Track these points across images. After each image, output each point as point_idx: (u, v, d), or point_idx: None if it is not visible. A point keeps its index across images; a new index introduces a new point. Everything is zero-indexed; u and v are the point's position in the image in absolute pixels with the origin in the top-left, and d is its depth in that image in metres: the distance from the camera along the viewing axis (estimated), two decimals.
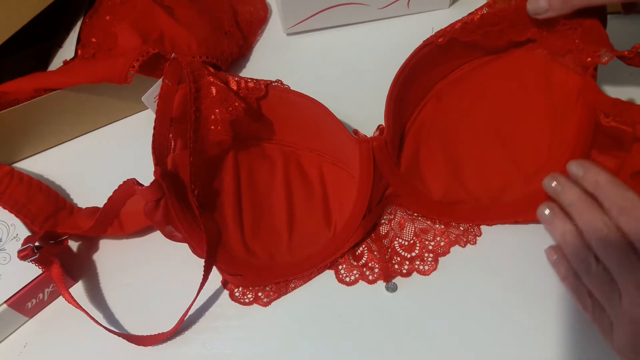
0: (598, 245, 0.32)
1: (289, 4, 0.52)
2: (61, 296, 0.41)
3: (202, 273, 0.37)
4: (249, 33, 0.55)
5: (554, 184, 0.36)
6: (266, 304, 0.40)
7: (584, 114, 0.36)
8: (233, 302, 0.40)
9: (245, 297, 0.40)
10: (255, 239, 0.40)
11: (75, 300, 0.38)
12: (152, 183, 0.35)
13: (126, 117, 0.51)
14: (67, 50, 0.49)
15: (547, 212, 0.36)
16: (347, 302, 0.39)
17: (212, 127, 0.38)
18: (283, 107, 0.40)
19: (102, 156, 0.49)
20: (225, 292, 0.40)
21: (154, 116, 0.49)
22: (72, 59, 0.48)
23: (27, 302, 0.39)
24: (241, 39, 0.53)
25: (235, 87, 0.38)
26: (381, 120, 0.45)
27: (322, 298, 0.40)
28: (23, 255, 0.37)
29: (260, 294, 0.40)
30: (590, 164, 0.34)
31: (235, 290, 0.40)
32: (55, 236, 0.40)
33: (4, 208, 0.41)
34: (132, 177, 0.38)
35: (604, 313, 0.33)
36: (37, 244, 0.38)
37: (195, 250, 0.38)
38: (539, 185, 0.38)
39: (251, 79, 0.39)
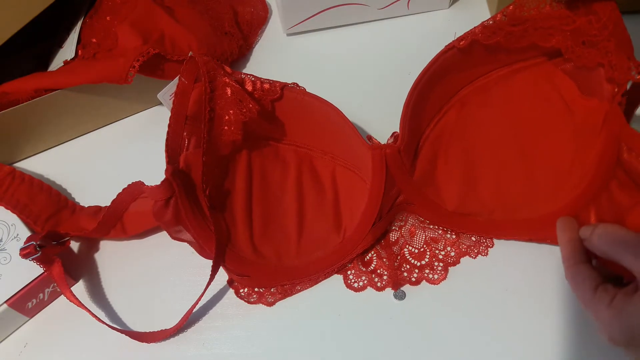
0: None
1: (289, 4, 0.52)
2: (61, 296, 0.41)
3: (204, 272, 0.37)
4: (249, 33, 0.56)
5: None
6: (271, 304, 0.40)
7: (607, 143, 0.35)
8: (238, 299, 0.40)
9: (250, 296, 0.40)
10: (264, 240, 0.39)
11: (77, 298, 0.38)
12: (162, 182, 0.35)
13: (126, 117, 0.51)
14: (68, 50, 0.49)
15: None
16: (351, 306, 0.39)
17: (226, 127, 0.38)
18: (298, 109, 0.40)
19: (103, 156, 0.49)
20: (226, 292, 0.40)
21: (155, 116, 0.49)
22: (72, 59, 0.48)
23: (27, 302, 0.39)
24: (241, 39, 0.53)
25: (250, 88, 0.38)
26: (380, 121, 0.45)
27: (325, 301, 0.40)
28: (25, 253, 0.37)
29: (266, 295, 0.40)
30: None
31: (241, 290, 0.40)
32: (58, 237, 0.40)
33: (6, 208, 0.41)
34: (137, 180, 0.38)
35: (607, 295, 0.31)
36: (39, 242, 0.38)
37: (202, 251, 0.38)
38: (555, 207, 0.37)
39: (267, 80, 0.39)
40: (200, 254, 0.38)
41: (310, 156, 0.42)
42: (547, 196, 0.39)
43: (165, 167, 0.36)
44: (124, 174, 0.46)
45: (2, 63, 0.48)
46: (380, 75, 0.52)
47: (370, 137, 0.39)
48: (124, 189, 0.39)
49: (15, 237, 0.40)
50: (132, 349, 0.38)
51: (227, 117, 0.37)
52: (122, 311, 0.41)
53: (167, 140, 0.37)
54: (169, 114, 0.38)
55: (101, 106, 0.48)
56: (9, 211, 0.41)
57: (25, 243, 0.38)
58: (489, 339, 0.37)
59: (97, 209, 0.43)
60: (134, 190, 0.39)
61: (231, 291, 0.40)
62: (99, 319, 0.38)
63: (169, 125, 0.37)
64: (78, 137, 0.50)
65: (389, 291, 0.40)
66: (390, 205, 0.40)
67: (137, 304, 0.41)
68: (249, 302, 0.40)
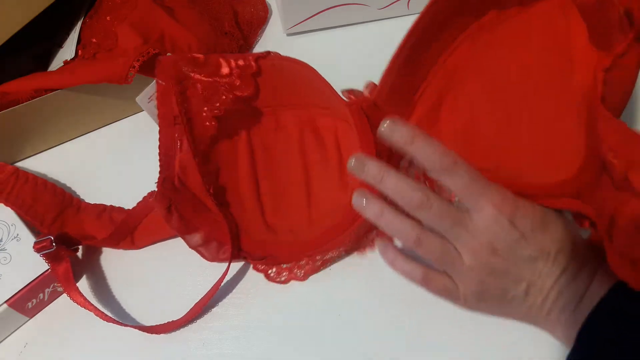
0: (421, 215, 0.32)
1: (289, 4, 0.52)
2: (61, 296, 0.41)
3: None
4: (249, 33, 0.56)
5: (352, 162, 0.34)
6: (303, 278, 0.39)
7: (590, 121, 0.30)
8: (238, 299, 0.40)
9: (280, 275, 0.40)
10: (277, 217, 0.39)
11: (83, 297, 0.38)
12: (156, 194, 0.35)
13: (127, 117, 0.51)
14: (67, 50, 0.49)
15: (361, 199, 0.34)
16: (348, 301, 0.39)
17: (207, 123, 0.37)
18: (280, 74, 0.39)
19: (103, 156, 0.48)
20: (227, 293, 0.40)
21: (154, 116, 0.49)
22: (72, 59, 0.48)
23: (27, 302, 0.39)
24: (241, 39, 0.53)
25: (227, 70, 0.38)
26: None
27: (326, 300, 0.40)
28: (40, 247, 0.37)
29: (295, 270, 0.40)
30: (402, 123, 0.32)
31: (270, 270, 0.40)
32: (68, 242, 0.40)
33: (12, 209, 0.41)
34: (137, 180, 0.38)
35: (443, 276, 0.33)
36: (55, 238, 0.38)
37: (216, 253, 0.38)
38: (556, 178, 0.33)
39: (240, 55, 0.38)
40: (215, 259, 0.38)
41: (312, 116, 0.41)
42: (549, 165, 0.35)
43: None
44: (124, 174, 0.46)
45: (2, 63, 0.48)
46: (380, 75, 0.51)
47: (351, 91, 0.38)
48: (138, 203, 0.39)
49: (15, 237, 0.40)
50: (132, 349, 0.38)
51: (204, 114, 0.37)
52: (123, 311, 0.41)
53: (159, 146, 0.36)
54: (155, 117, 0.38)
55: (102, 106, 0.48)
56: (8, 211, 0.41)
57: (40, 237, 0.38)
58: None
59: (102, 209, 0.43)
60: (148, 203, 0.39)
61: (232, 291, 0.40)
62: (106, 317, 0.38)
63: (159, 131, 0.37)
64: (78, 137, 0.50)
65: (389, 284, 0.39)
66: (388, 155, 0.39)
67: (138, 304, 0.41)
68: (281, 283, 0.40)
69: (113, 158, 0.48)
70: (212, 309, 0.40)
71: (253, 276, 0.41)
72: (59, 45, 0.50)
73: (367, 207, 0.34)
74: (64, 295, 0.41)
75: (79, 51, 0.48)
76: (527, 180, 0.36)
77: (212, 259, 0.38)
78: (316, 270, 0.40)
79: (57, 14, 0.50)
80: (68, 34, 0.50)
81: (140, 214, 0.40)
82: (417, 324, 0.38)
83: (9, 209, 0.41)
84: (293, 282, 0.40)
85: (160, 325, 0.38)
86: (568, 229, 0.32)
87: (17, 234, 0.40)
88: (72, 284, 0.38)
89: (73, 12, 0.51)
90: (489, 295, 0.33)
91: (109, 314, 0.40)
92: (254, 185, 0.39)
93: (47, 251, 0.37)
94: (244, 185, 0.39)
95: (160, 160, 0.36)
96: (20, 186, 0.42)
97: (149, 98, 0.42)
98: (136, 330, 0.38)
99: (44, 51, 0.51)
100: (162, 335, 0.39)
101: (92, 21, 0.49)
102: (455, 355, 0.37)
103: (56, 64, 0.49)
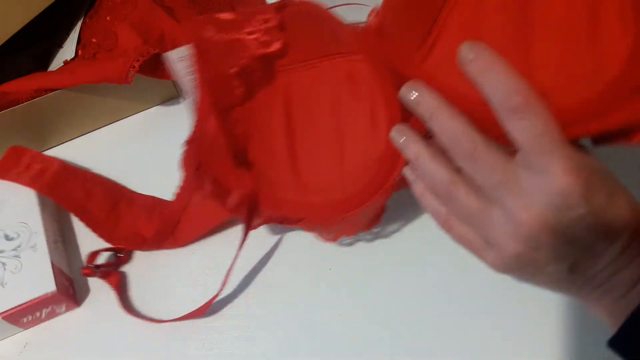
0: (465, 165, 0.27)
1: None
2: (62, 315, 0.41)
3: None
4: None
5: (413, 95, 0.29)
6: (353, 232, 0.39)
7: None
8: (238, 300, 0.40)
9: (328, 235, 0.39)
10: (310, 176, 0.37)
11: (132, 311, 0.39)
12: (184, 154, 0.35)
13: (126, 117, 0.51)
14: (67, 50, 0.49)
15: (399, 136, 0.30)
16: (349, 301, 0.39)
17: (232, 82, 0.36)
18: (307, 19, 0.36)
19: (103, 156, 0.48)
20: (226, 292, 0.40)
21: (155, 116, 0.49)
22: (72, 59, 0.48)
23: (23, 317, 0.38)
24: None
25: (251, 28, 0.35)
26: None
27: (326, 299, 0.40)
28: (85, 273, 0.39)
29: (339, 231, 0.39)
30: (484, 49, 0.26)
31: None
32: (116, 252, 0.41)
33: (66, 208, 0.40)
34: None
35: (470, 228, 0.29)
36: (94, 265, 0.39)
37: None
38: (601, 82, 0.26)
39: (260, 9, 0.35)
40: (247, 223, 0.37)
41: (350, 61, 0.37)
42: (589, 68, 0.27)
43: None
44: (125, 174, 0.46)
45: (2, 63, 0.48)
46: None
47: (353, 25, 0.34)
48: (176, 196, 0.40)
49: (32, 247, 0.39)
50: (133, 349, 0.38)
51: (227, 74, 0.35)
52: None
53: (195, 103, 0.35)
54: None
55: (101, 106, 0.48)
56: (36, 216, 0.40)
57: (87, 261, 0.39)
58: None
59: (152, 203, 0.42)
60: (183, 196, 0.40)
61: (232, 291, 0.40)
62: (153, 320, 0.38)
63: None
64: (78, 137, 0.50)
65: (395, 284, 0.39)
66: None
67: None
68: (331, 240, 0.40)
69: (112, 158, 0.48)
70: (212, 309, 0.40)
71: (253, 276, 0.41)
72: (59, 45, 0.50)
73: (404, 145, 0.30)
74: None
75: (79, 51, 0.49)
76: (564, 102, 0.27)
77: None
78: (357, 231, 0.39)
79: (57, 14, 0.50)
80: (68, 34, 0.50)
81: (178, 209, 0.39)
82: (418, 324, 0.38)
83: (38, 214, 0.40)
84: (293, 282, 0.40)
85: (199, 308, 0.38)
86: (634, 201, 0.27)
87: (35, 244, 0.39)
88: (122, 294, 0.39)
89: (73, 12, 0.51)
90: (524, 267, 0.28)
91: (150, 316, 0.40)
92: (289, 143, 0.37)
93: (94, 276, 0.39)
94: (278, 143, 0.37)
95: (194, 118, 0.35)
96: (72, 181, 0.40)
97: (180, 57, 0.40)
98: (140, 329, 0.39)
99: (44, 51, 0.51)
100: (162, 335, 0.39)
101: (92, 21, 0.50)
102: (456, 356, 0.37)
103: (56, 64, 0.49)
